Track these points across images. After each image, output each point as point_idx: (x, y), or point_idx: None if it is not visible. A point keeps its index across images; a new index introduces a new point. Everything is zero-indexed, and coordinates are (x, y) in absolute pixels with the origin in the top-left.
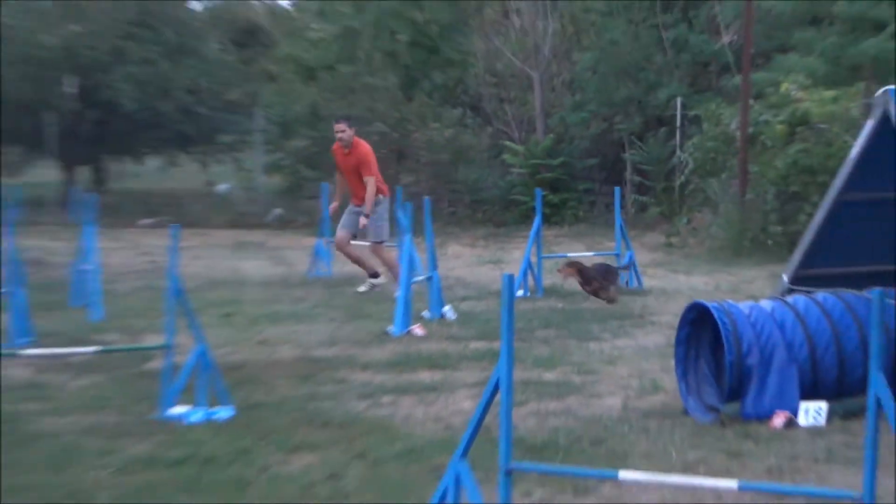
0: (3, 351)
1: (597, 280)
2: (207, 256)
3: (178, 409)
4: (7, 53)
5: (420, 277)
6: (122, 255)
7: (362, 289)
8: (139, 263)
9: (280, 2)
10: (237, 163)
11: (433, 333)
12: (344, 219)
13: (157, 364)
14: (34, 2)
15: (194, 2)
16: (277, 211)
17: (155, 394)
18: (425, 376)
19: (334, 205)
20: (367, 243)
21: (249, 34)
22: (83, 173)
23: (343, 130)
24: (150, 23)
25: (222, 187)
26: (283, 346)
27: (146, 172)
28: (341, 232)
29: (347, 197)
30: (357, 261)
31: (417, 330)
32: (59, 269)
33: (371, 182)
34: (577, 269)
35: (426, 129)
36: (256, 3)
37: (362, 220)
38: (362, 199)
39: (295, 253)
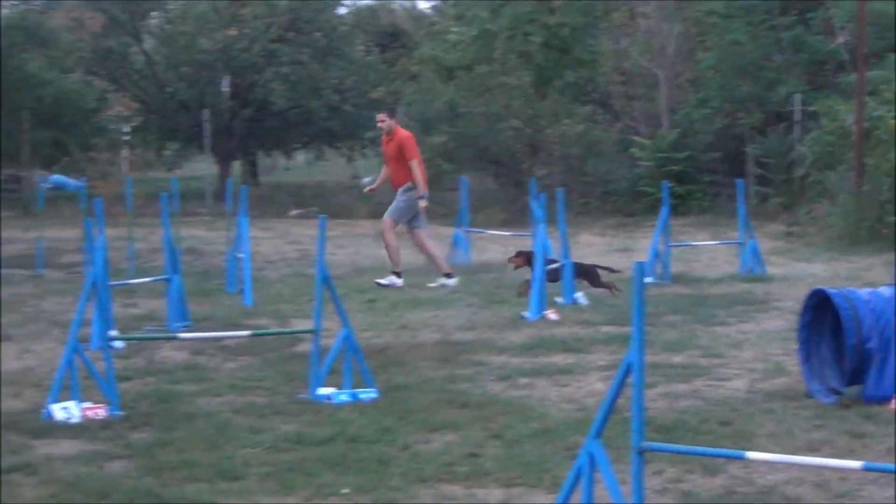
0: (163, 334)
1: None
2: (352, 245)
3: (324, 390)
4: (169, 56)
5: (554, 265)
6: (273, 244)
7: (382, 281)
8: (288, 252)
9: (421, 6)
10: (380, 157)
11: (566, 318)
12: (391, 206)
13: (305, 347)
14: (195, 2)
15: (341, 7)
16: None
17: (303, 375)
18: (559, 359)
19: (372, 188)
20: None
21: (392, 37)
22: (237, 167)
23: (382, 120)
24: (301, 27)
25: (366, 180)
26: (424, 330)
27: (295, 166)
28: (386, 217)
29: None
30: (392, 250)
31: (551, 315)
32: (214, 258)
33: (414, 164)
34: (526, 258)
35: (558, 125)
36: (399, 7)
37: (422, 203)
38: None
39: (435, 242)
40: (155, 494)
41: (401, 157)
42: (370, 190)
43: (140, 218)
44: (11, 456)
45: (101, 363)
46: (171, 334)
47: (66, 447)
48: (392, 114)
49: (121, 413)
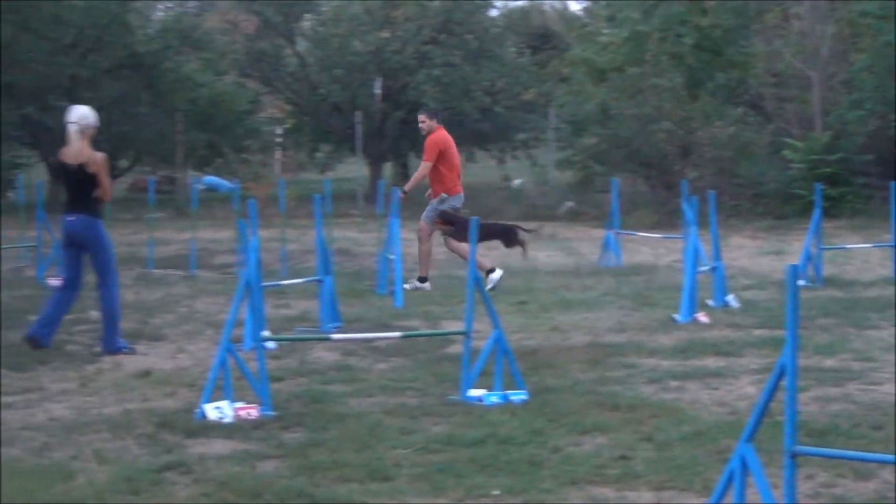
0: (315, 335)
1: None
2: (501, 247)
3: (475, 392)
4: (322, 58)
5: (705, 267)
6: None
7: (406, 286)
8: (438, 253)
9: (572, 7)
10: (531, 159)
11: (717, 321)
12: (427, 211)
13: (456, 349)
14: (348, 4)
15: (493, 9)
16: (569, 204)
17: (454, 377)
18: (710, 362)
19: (429, 192)
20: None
21: (544, 38)
22: (388, 169)
23: (423, 121)
24: (453, 29)
25: (517, 182)
26: (574, 332)
27: None
28: (422, 222)
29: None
30: (424, 255)
31: (702, 317)
32: (365, 259)
33: (424, 166)
34: (448, 221)
35: (710, 127)
36: (550, 9)
37: (400, 195)
38: (440, 191)
39: (585, 244)
40: (307, 494)
41: (440, 160)
42: (427, 195)
43: (292, 219)
44: (166, 454)
45: (253, 363)
46: (324, 335)
47: (219, 447)
48: (433, 115)
49: (273, 413)
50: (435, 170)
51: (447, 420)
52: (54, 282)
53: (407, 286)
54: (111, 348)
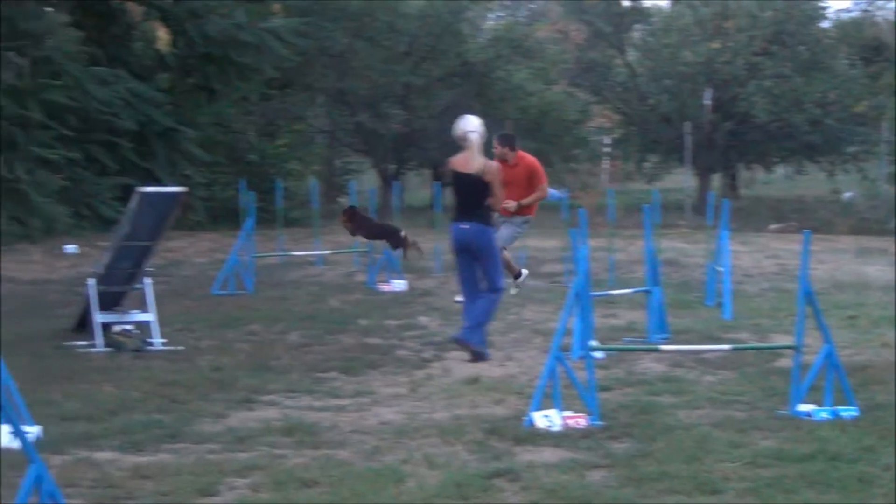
0: (643, 346)
1: (364, 228)
2: (831, 261)
3: (804, 407)
4: (652, 68)
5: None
6: (752, 257)
7: (513, 291)
8: (767, 266)
9: None
10: (862, 172)
11: None
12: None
13: (785, 363)
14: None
15: (825, 20)
16: None
17: (783, 391)
18: None
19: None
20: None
21: (876, 50)
22: (716, 180)
23: (495, 148)
24: (784, 40)
25: (847, 195)
26: None
27: (774, 180)
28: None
29: None
30: (508, 264)
31: None
32: (693, 270)
33: (542, 189)
34: (349, 216)
35: None
36: (882, 21)
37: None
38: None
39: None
40: None
41: (524, 184)
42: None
43: (619, 229)
44: (495, 461)
45: (581, 373)
46: (652, 346)
47: (547, 455)
48: (505, 142)
49: (601, 423)
50: (519, 192)
51: (776, 434)
52: (385, 287)
53: (513, 291)
54: (466, 340)
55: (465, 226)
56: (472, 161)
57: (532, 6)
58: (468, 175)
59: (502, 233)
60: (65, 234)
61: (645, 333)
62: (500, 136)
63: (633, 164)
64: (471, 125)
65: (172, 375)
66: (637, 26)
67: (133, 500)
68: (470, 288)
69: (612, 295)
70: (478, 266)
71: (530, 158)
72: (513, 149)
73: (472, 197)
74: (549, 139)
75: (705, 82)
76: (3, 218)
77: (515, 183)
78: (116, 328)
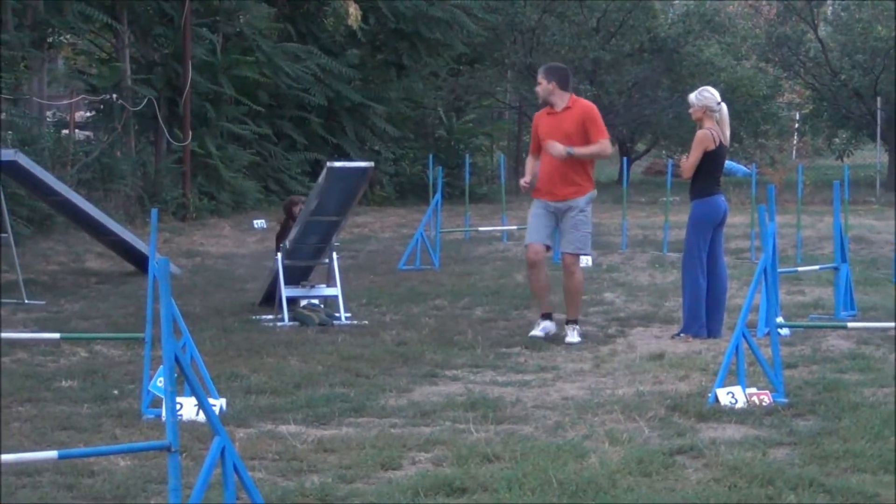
0: (830, 323)
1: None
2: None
3: None
4: (844, 43)
5: None
6: None
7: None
8: None
9: None
10: None
11: None
12: (568, 235)
13: None
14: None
15: None
16: None
17: None
18: None
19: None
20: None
21: None
22: None
23: (540, 83)
24: None
25: None
26: None
27: None
28: (567, 254)
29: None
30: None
31: None
32: (882, 247)
33: (605, 144)
34: (287, 208)
35: None
36: None
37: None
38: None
39: None
40: (818, 483)
41: (579, 136)
42: (526, 184)
43: (807, 205)
44: (677, 438)
45: (767, 349)
46: (839, 323)
47: (731, 432)
48: (552, 75)
49: (785, 400)
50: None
51: None
52: None
53: (539, 333)
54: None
55: (724, 198)
56: (725, 132)
57: None
58: (723, 147)
59: (573, 236)
60: (254, 208)
61: (832, 310)
62: (546, 68)
63: (822, 140)
64: (718, 95)
65: (357, 350)
66: (830, 1)
67: (316, 473)
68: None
69: (799, 272)
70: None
71: (586, 103)
72: (563, 87)
73: (721, 169)
74: (739, 115)
75: None
76: (194, 192)
77: (567, 134)
78: (303, 302)
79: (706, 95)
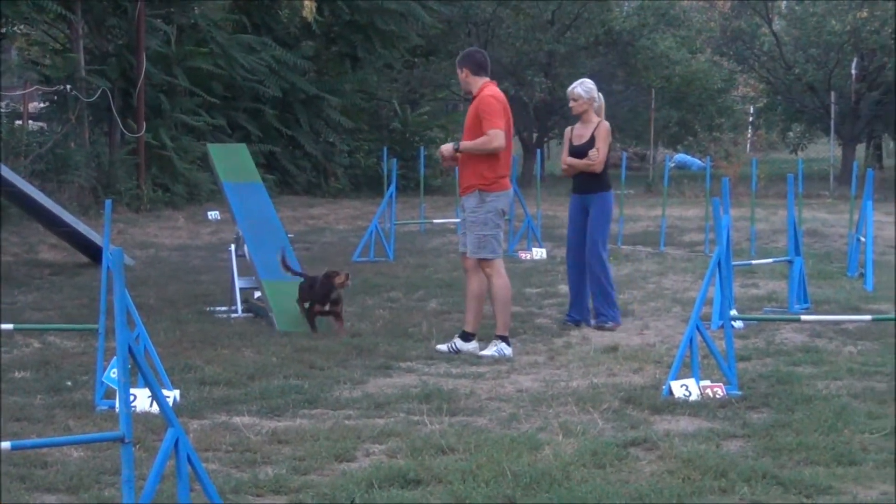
0: (783, 316)
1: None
2: None
3: None
4: (798, 37)
5: None
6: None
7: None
8: None
9: None
10: None
11: None
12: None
13: None
14: None
15: None
16: None
17: None
18: None
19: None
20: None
21: None
22: (860, 150)
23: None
24: None
25: None
26: None
27: None
28: (469, 254)
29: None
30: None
31: None
32: (835, 241)
33: (495, 135)
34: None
35: None
36: None
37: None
38: (476, 184)
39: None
40: (772, 475)
41: (475, 133)
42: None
43: (762, 199)
44: (631, 430)
45: (720, 342)
46: (793, 316)
47: (684, 424)
48: (465, 62)
49: (739, 392)
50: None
51: None
52: (524, 255)
53: (442, 347)
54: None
55: None
56: None
57: None
58: None
59: (468, 238)
60: (208, 199)
61: (785, 303)
62: (460, 56)
63: (777, 134)
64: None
65: (311, 341)
66: None
67: (270, 465)
68: None
69: (753, 264)
70: None
71: (486, 91)
72: (476, 72)
73: None
74: (693, 108)
75: (851, 52)
76: (148, 183)
77: (467, 126)
78: (256, 294)
79: (591, 87)
